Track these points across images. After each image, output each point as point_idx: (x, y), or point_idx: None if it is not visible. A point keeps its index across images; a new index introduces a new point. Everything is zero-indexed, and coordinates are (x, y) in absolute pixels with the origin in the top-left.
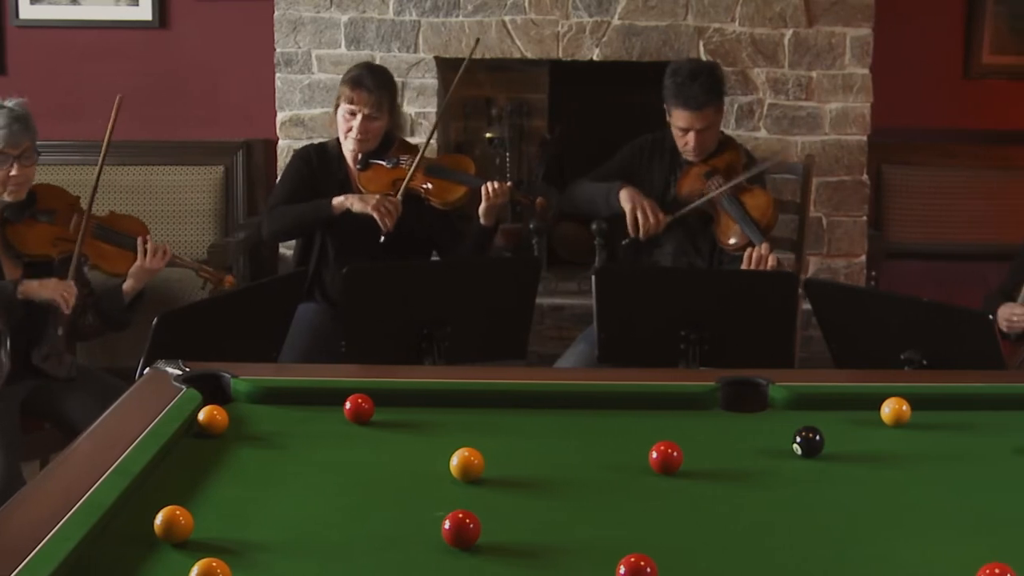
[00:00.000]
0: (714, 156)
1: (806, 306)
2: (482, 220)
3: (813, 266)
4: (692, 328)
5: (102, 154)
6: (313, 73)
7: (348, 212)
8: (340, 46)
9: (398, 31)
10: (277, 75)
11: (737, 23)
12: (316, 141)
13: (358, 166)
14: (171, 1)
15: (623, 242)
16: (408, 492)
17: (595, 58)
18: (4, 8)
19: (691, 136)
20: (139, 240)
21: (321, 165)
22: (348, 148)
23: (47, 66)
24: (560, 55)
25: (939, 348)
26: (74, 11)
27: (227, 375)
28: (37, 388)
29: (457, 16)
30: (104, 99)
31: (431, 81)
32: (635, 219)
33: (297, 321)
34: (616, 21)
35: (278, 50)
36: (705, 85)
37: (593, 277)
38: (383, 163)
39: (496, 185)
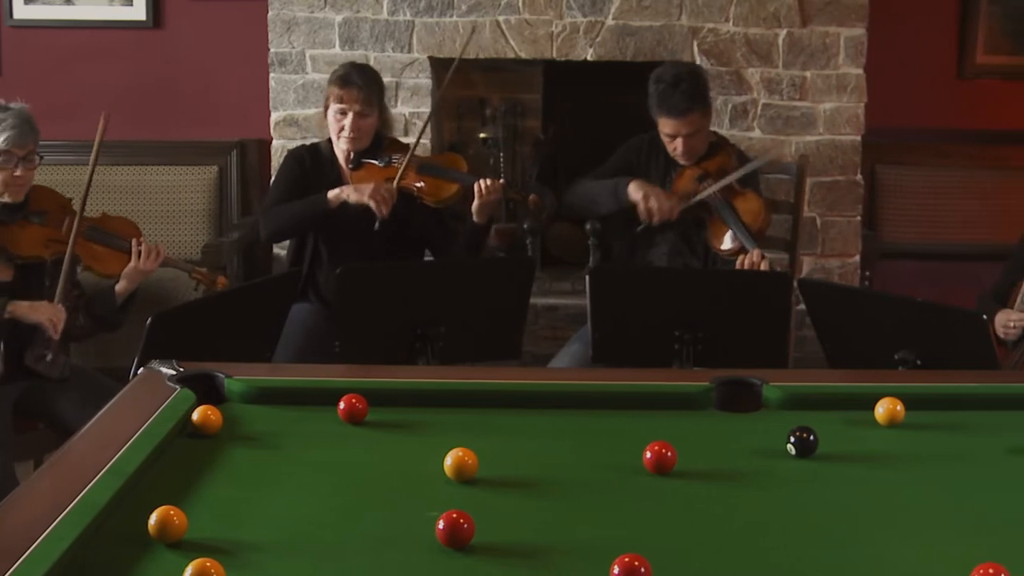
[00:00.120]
0: (706, 159)
1: (800, 306)
2: (475, 218)
3: (807, 266)
4: (686, 328)
5: (91, 166)
6: (307, 73)
7: (341, 212)
8: (334, 46)
9: (392, 31)
10: (271, 75)
11: (731, 23)
12: (309, 142)
13: (350, 166)
14: (165, 1)
15: (637, 228)
16: (402, 492)
17: (589, 58)
18: None
19: (679, 142)
20: (133, 242)
21: (314, 166)
22: (341, 148)
23: (41, 66)
24: (554, 55)
25: (933, 348)
26: (68, 11)
27: (221, 375)
28: (30, 388)
29: (451, 16)
30: (98, 99)
31: (425, 81)
32: (648, 208)
33: (291, 321)
34: (610, 21)
35: (272, 50)
36: (687, 91)
37: (587, 277)
38: (375, 162)
39: (489, 182)
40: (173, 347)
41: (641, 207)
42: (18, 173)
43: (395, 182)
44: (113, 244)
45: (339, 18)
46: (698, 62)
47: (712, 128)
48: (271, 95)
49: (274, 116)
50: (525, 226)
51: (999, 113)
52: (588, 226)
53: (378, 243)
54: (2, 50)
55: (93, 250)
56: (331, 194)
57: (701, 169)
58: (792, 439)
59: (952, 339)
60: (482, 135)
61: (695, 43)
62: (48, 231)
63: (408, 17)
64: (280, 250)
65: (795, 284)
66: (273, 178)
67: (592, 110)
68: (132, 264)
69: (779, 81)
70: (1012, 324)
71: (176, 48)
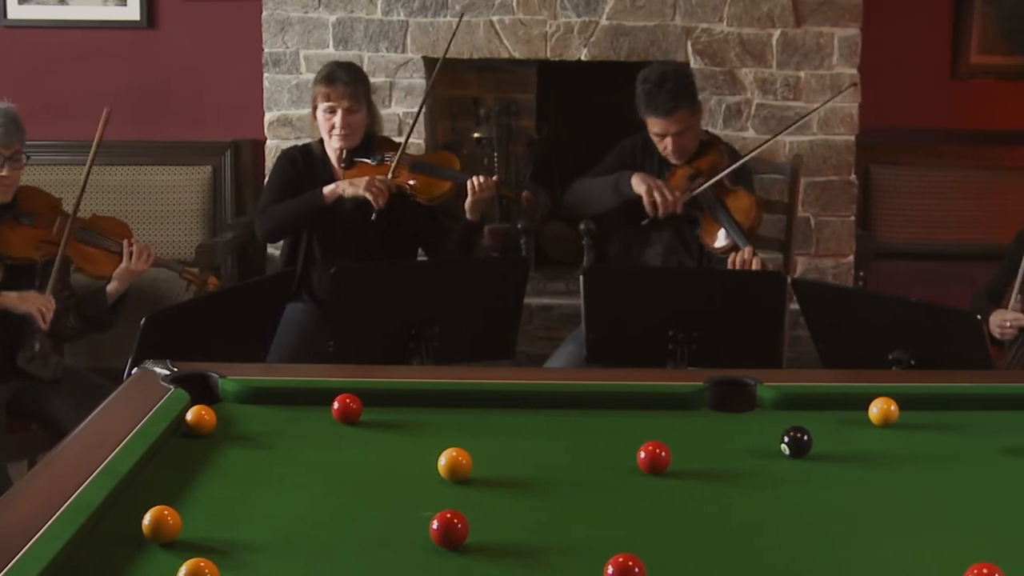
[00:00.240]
0: (697, 157)
1: (794, 306)
2: (468, 215)
3: (801, 266)
4: (680, 328)
5: (89, 162)
6: (301, 73)
7: (337, 209)
8: (328, 46)
9: (386, 31)
10: (265, 75)
11: (725, 23)
12: (302, 142)
13: (343, 164)
14: (159, 1)
15: (643, 222)
16: (396, 492)
17: (583, 58)
18: None
19: (668, 140)
20: (124, 243)
21: (306, 166)
22: (333, 147)
23: (35, 66)
24: (548, 55)
25: (927, 348)
26: (62, 11)
27: (215, 375)
28: (22, 389)
29: (445, 16)
30: (93, 99)
31: (419, 81)
32: (652, 200)
33: (285, 321)
34: (604, 21)
35: (266, 50)
36: (673, 90)
37: (581, 277)
38: (368, 160)
39: (481, 179)
40: (167, 347)
41: (646, 199)
42: (4, 173)
43: (388, 178)
44: (104, 245)
45: (333, 18)
46: (692, 62)
47: (706, 128)
48: (265, 95)
49: (268, 116)
50: (519, 226)
51: (993, 113)
52: (582, 226)
53: (372, 242)
54: None
55: (84, 251)
56: (326, 190)
57: (693, 168)
58: (786, 439)
59: (946, 339)
60: (476, 135)
61: (689, 43)
62: (39, 232)
63: (402, 17)
64: (274, 250)
65: (789, 284)
66: (267, 179)
67: (586, 110)
68: (123, 265)
69: (773, 81)
70: (1008, 323)
71: (170, 48)
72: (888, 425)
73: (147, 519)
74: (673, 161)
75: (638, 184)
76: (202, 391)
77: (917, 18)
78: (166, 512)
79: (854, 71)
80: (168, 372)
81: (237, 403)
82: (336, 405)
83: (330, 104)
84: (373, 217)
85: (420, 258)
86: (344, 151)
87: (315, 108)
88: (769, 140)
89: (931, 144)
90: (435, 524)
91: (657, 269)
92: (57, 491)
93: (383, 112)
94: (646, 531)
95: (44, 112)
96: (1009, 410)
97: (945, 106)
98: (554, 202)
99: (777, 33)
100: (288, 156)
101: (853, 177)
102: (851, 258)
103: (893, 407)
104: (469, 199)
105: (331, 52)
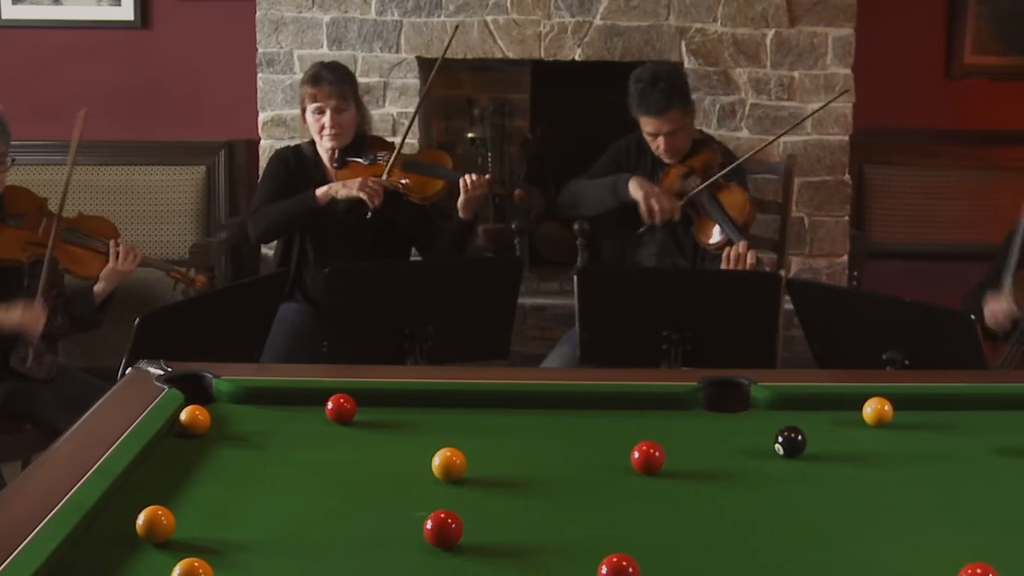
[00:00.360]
0: (690, 156)
1: (788, 306)
2: (460, 213)
3: (795, 266)
4: (674, 328)
5: (70, 163)
6: (295, 73)
7: (330, 210)
8: (322, 46)
9: (380, 31)
10: (259, 75)
11: (719, 23)
12: (293, 143)
13: (335, 164)
14: (153, 1)
15: (639, 230)
16: (390, 492)
17: (577, 58)
18: None
19: (661, 140)
20: (111, 243)
21: (299, 168)
22: (325, 147)
23: (29, 66)
24: (542, 55)
25: (921, 348)
26: (56, 11)
27: (209, 375)
28: (16, 389)
29: (439, 16)
30: (87, 99)
31: (413, 81)
32: (650, 207)
33: (279, 321)
34: (598, 21)
35: (260, 50)
36: (665, 89)
37: (575, 277)
38: (360, 160)
39: (474, 177)
40: (161, 347)
41: (643, 207)
42: None
43: (382, 178)
44: (90, 245)
45: (327, 18)
46: (686, 62)
47: (700, 128)
48: (259, 95)
49: (262, 116)
50: (513, 226)
51: (987, 113)
52: (576, 226)
53: (365, 242)
54: None
55: (70, 252)
56: (319, 191)
57: (686, 166)
58: (780, 439)
59: (940, 339)
60: (470, 135)
61: (683, 43)
62: (25, 233)
63: (396, 17)
64: (268, 250)
65: (783, 284)
66: (259, 180)
67: (580, 110)
68: (110, 265)
69: (767, 81)
70: (1001, 314)
71: (164, 48)
72: (882, 425)
73: (141, 519)
74: (666, 160)
75: (635, 189)
76: (196, 391)
77: (911, 18)
78: (160, 512)
79: (848, 71)
80: (162, 372)
81: (231, 403)
82: (330, 405)
83: (318, 104)
84: (368, 216)
85: (413, 258)
86: (336, 151)
87: (304, 110)
88: (768, 143)
89: (925, 144)
90: (429, 524)
91: (651, 269)
92: (51, 491)
93: (377, 112)
94: (640, 531)
95: (38, 112)
96: (1003, 410)
97: (939, 106)
98: (548, 202)
99: (771, 33)
100: (280, 157)
101: (847, 177)
102: (845, 258)
103: (887, 407)
104: (462, 197)
105: (325, 52)
